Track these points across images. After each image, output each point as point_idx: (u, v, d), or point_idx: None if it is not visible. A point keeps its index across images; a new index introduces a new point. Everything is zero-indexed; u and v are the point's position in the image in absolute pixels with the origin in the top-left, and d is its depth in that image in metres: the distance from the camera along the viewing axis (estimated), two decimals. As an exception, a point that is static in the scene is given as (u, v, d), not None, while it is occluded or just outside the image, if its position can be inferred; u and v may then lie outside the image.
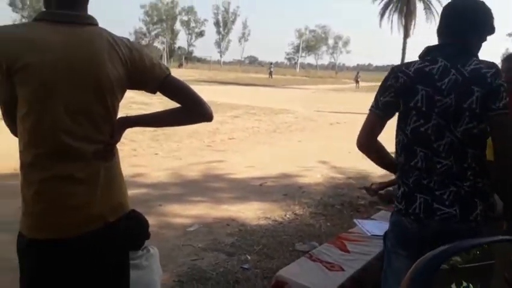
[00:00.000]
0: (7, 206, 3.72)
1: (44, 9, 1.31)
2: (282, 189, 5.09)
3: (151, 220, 2.87)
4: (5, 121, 1.36)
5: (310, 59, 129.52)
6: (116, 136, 1.38)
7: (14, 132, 1.32)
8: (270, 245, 3.41)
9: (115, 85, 1.30)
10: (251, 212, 4.23)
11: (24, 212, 1.29)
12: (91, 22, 1.31)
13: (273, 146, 7.94)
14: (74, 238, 1.29)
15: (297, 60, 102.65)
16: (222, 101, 14.99)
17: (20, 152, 1.27)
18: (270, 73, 44.40)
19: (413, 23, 42.83)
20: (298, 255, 3.16)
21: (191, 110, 1.44)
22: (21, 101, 1.23)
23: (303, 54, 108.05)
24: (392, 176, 5.39)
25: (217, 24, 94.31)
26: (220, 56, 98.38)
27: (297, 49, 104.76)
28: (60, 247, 1.28)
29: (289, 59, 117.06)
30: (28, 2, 77.11)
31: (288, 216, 4.17)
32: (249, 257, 3.17)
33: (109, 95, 1.29)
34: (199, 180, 5.37)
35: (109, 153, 1.36)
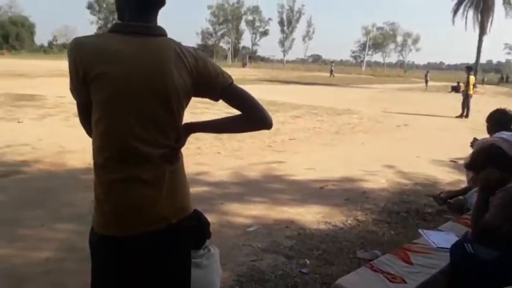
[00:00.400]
0: (82, 198, 4.03)
1: (117, 21, 1.42)
2: (343, 194, 5.00)
3: (212, 218, 2.96)
4: (81, 123, 1.49)
5: (377, 57, 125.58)
6: (181, 141, 1.46)
7: (89, 134, 1.44)
8: (329, 251, 3.37)
9: (181, 93, 1.37)
10: (311, 215, 4.20)
11: (95, 209, 1.40)
12: (160, 33, 1.40)
13: (335, 148, 7.82)
14: (139, 236, 1.37)
15: (363, 58, 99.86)
16: (283, 100, 15.02)
17: (93, 153, 1.38)
18: (331, 71, 43.77)
19: (490, 19, 39.88)
20: (359, 263, 3.10)
21: (252, 118, 1.48)
22: (95, 107, 1.34)
23: (370, 52, 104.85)
24: (463, 184, 5.09)
25: (281, 23, 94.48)
26: (284, 55, 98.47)
27: (363, 47, 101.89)
28: (126, 244, 1.37)
29: (355, 57, 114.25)
30: (104, 5, 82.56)
31: (349, 221, 4.09)
32: (307, 262, 3.15)
33: (175, 103, 1.37)
34: (260, 181, 5.43)
35: (174, 157, 1.43)
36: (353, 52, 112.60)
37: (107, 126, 1.32)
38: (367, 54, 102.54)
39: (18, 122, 8.65)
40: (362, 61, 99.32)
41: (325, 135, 9.14)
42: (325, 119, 11.56)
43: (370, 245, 3.50)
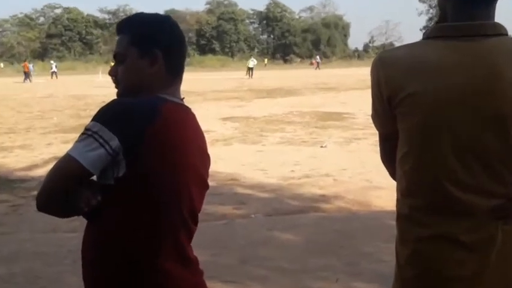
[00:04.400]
0: (386, 251, 4.19)
1: (437, 24, 1.41)
2: None
3: None
4: (382, 161, 1.59)
5: None
6: None
7: (393, 175, 1.50)
8: None
9: None
10: None
11: (395, 274, 1.45)
12: (497, 32, 1.33)
13: None
14: None
15: None
16: None
17: (397, 200, 1.43)
18: None
19: None
20: None
21: None
22: (401, 138, 1.38)
23: None
24: None
25: None
26: None
27: None
28: None
29: None
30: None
31: None
32: None
33: None
34: None
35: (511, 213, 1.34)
36: None
37: (415, 163, 1.35)
38: None
39: (321, 146, 9.95)
40: None
41: None
42: None
43: None
